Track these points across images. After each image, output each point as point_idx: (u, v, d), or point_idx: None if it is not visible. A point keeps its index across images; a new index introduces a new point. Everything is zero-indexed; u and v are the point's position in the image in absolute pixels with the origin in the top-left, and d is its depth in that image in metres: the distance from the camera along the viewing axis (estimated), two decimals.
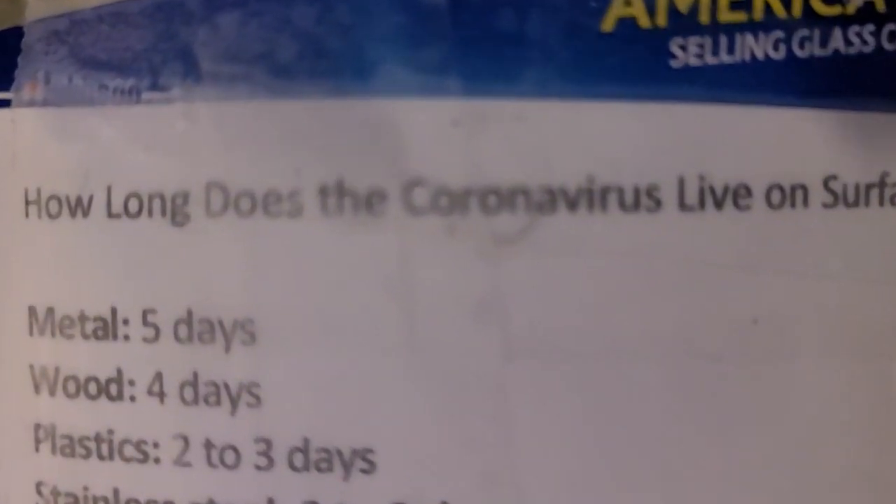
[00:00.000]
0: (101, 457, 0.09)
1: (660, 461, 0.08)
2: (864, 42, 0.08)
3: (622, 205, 0.08)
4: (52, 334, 0.09)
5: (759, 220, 0.08)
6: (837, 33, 0.08)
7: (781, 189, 0.08)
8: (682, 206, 0.08)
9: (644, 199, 0.08)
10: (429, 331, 0.08)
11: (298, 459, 0.08)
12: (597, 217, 0.08)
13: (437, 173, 0.08)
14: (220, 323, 0.09)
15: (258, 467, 0.09)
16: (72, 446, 0.09)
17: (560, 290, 0.08)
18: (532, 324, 0.08)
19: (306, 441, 0.08)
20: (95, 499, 0.09)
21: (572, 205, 0.08)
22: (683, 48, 0.08)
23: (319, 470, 0.08)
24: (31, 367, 0.09)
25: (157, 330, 0.09)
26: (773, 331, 0.08)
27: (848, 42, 0.08)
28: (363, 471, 0.08)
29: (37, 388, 0.09)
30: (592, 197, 0.08)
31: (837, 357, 0.09)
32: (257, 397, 0.09)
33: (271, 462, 0.09)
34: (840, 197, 0.08)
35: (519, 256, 0.08)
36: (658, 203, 0.08)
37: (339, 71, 0.08)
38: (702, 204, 0.08)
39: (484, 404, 0.08)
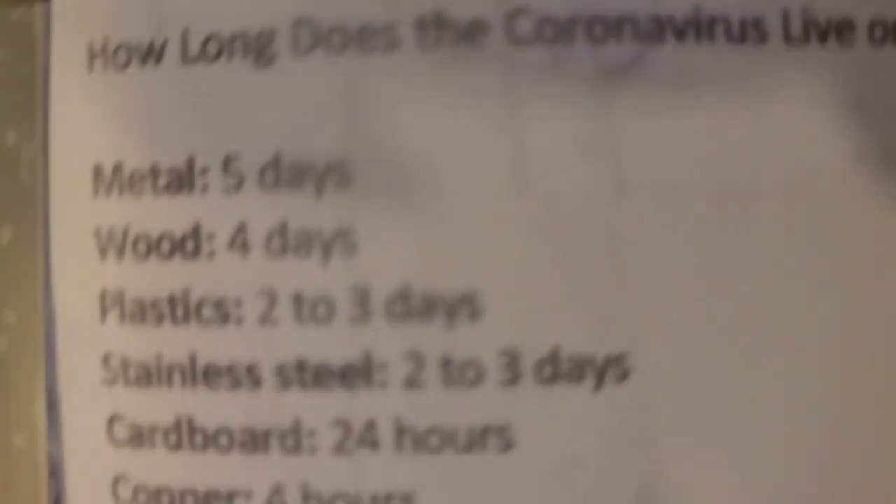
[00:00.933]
0: (175, 320, 0.08)
1: (775, 303, 0.08)
2: None
3: (729, 36, 0.08)
4: (120, 192, 0.08)
5: (863, 56, 0.08)
6: None
7: (884, 25, 0.08)
8: (787, 38, 0.08)
9: (750, 31, 0.08)
10: (536, 168, 0.08)
11: (398, 307, 0.08)
12: (704, 48, 0.08)
13: (541, 1, 0.08)
14: (311, 166, 0.08)
15: (353, 320, 0.08)
16: (143, 311, 0.08)
17: (671, 124, 0.08)
18: (644, 158, 0.08)
19: (406, 288, 0.08)
20: (171, 367, 0.08)
21: (680, 35, 0.08)
22: None
23: (421, 318, 0.08)
24: (97, 230, 0.09)
25: (241, 177, 0.08)
26: (879, 170, 0.08)
27: None
28: (470, 317, 0.08)
29: (103, 253, 0.09)
30: (700, 27, 0.08)
31: None
32: (353, 244, 0.08)
33: (368, 313, 0.08)
34: None
35: (628, 88, 0.08)
36: (764, 35, 0.08)
37: None
38: (806, 37, 0.08)
39: (596, 244, 0.08)
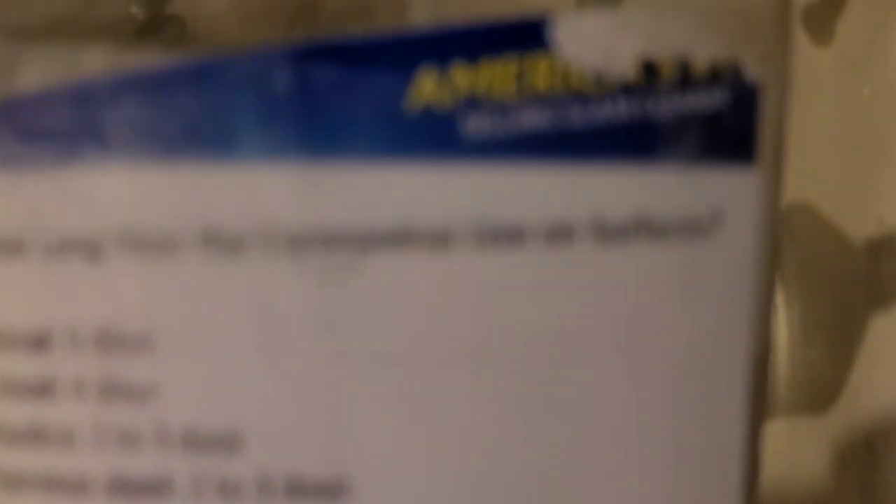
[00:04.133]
0: None
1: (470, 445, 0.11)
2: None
3: (421, 246, 0.11)
4: None
5: (535, 257, 0.11)
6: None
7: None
8: (468, 247, 0.11)
9: (438, 243, 0.11)
10: (280, 343, 0.11)
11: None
12: (405, 257, 0.11)
13: (284, 222, 0.11)
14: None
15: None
16: None
17: (382, 314, 0.11)
18: (361, 338, 0.11)
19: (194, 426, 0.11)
20: None
21: (389, 246, 0.11)
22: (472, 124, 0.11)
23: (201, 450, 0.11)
24: None
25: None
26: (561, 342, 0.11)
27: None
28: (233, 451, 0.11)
29: None
30: (404, 240, 0.11)
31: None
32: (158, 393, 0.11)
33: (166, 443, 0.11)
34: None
35: (350, 286, 0.11)
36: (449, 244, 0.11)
37: (209, 141, 0.11)
38: (487, 244, 0.11)
39: (325, 396, 0.11)
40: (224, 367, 0.11)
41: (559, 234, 0.11)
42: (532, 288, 0.11)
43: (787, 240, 0.22)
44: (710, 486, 0.12)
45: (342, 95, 0.11)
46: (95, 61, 0.11)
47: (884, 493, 0.20)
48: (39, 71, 0.12)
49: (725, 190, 0.12)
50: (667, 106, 0.11)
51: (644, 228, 0.11)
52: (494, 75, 0.11)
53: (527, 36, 0.11)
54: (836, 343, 0.22)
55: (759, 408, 0.12)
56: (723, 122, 0.11)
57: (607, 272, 0.11)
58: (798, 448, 0.22)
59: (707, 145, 0.11)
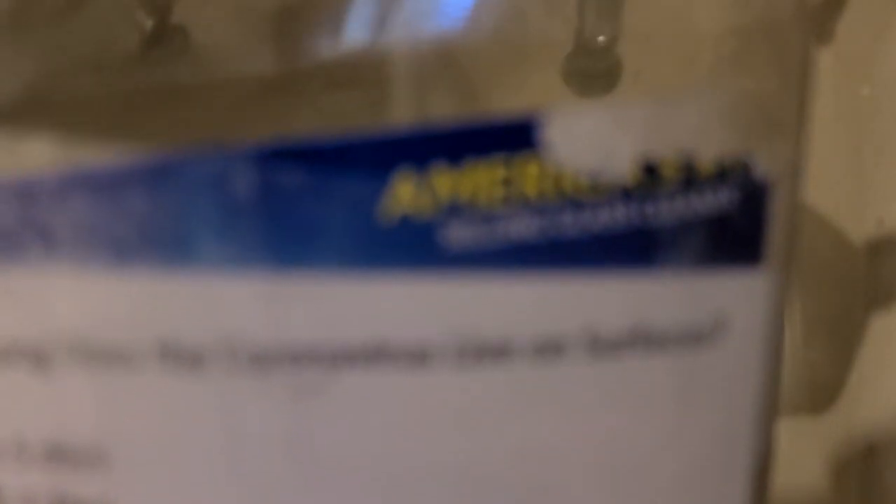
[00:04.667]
0: None
1: None
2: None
3: (398, 364, 0.10)
4: None
5: (522, 374, 0.10)
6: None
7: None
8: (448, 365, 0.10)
9: (415, 359, 0.10)
10: (247, 463, 0.10)
11: None
12: (380, 374, 0.10)
13: (248, 337, 0.10)
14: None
15: None
16: None
17: (356, 435, 0.10)
18: (334, 460, 0.10)
19: None
20: None
21: (363, 364, 0.10)
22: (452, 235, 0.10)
23: None
24: None
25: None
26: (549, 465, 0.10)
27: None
28: None
29: None
30: (379, 357, 0.10)
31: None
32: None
33: None
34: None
35: (321, 406, 0.10)
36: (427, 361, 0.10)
37: (165, 248, 0.10)
38: (469, 362, 0.10)
39: None
40: (185, 488, 0.10)
41: (548, 349, 0.10)
42: (518, 407, 0.10)
43: None
44: None
45: (311, 201, 0.10)
46: (40, 154, 0.10)
47: (884, 494, 0.20)
48: None
49: (730, 295, 0.11)
50: (668, 209, 0.10)
51: (641, 340, 0.10)
52: (479, 180, 0.10)
53: (515, 137, 0.10)
54: (837, 344, 0.21)
55: None
56: (729, 223, 0.10)
57: (600, 387, 0.10)
58: (798, 448, 0.21)
59: (711, 249, 0.10)
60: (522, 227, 0.10)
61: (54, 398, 0.10)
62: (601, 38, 0.16)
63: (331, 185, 0.10)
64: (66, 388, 0.10)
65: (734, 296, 0.11)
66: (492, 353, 0.10)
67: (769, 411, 0.11)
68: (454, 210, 0.10)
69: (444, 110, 0.14)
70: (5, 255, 0.10)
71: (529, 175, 0.10)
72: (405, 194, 0.10)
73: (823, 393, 0.22)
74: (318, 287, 0.10)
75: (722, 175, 0.10)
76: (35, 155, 0.10)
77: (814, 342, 0.22)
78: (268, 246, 0.10)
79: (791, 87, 0.11)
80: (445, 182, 0.10)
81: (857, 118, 0.21)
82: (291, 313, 0.10)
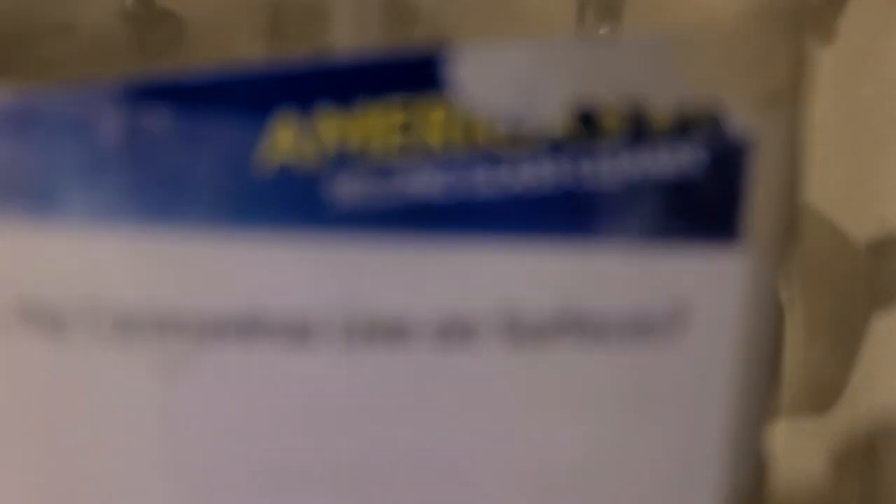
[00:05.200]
0: None
1: None
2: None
3: (274, 337, 0.09)
4: None
5: (421, 358, 0.09)
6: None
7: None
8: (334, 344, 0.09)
9: (294, 334, 0.09)
10: (112, 437, 0.09)
11: None
12: (255, 350, 0.09)
13: (113, 300, 0.09)
14: None
15: None
16: None
17: (225, 418, 0.09)
18: (202, 445, 0.09)
19: None
20: None
21: (231, 334, 0.09)
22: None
23: None
24: None
25: None
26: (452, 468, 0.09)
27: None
28: None
29: None
30: (254, 330, 0.09)
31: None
32: None
33: None
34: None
35: (187, 382, 0.09)
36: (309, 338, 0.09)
37: (24, 200, 0.09)
38: (359, 340, 0.09)
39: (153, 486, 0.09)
40: (49, 461, 0.09)
41: (455, 331, 0.09)
42: (416, 399, 0.09)
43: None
44: None
45: (179, 147, 0.08)
46: None
47: (885, 493, 0.20)
48: None
49: (692, 279, 0.09)
50: (609, 169, 0.08)
51: (572, 326, 0.09)
52: (372, 125, 0.08)
53: (416, 74, 0.08)
54: (838, 343, 0.22)
55: None
56: (691, 189, 0.09)
57: (520, 382, 0.09)
58: (799, 448, 0.22)
59: (666, 220, 0.09)
60: (424, 183, 0.08)
61: None
62: (602, 32, 0.14)
63: (201, 129, 0.08)
64: None
65: (698, 280, 0.09)
66: (385, 332, 0.09)
67: (752, 422, 0.09)
68: (342, 160, 0.08)
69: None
70: None
71: (433, 120, 0.08)
72: (285, 140, 0.08)
73: (825, 392, 0.22)
74: (187, 245, 0.09)
75: (682, 129, 0.08)
76: None
77: (815, 342, 0.22)
78: (134, 197, 0.09)
79: (780, 28, 0.09)
80: (333, 126, 0.08)
81: (858, 118, 0.21)
82: (158, 275, 0.09)
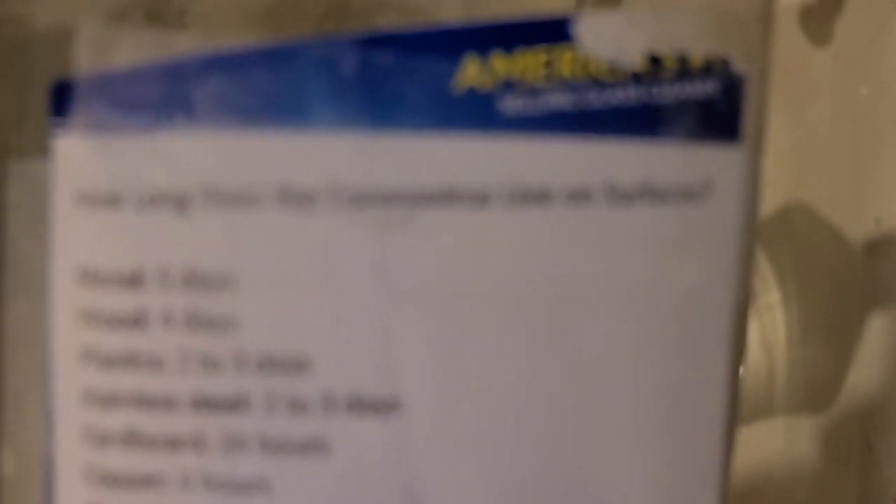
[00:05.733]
0: None
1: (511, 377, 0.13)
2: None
3: (463, 204, 0.13)
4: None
5: (558, 216, 0.13)
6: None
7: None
8: (503, 206, 0.13)
9: (477, 200, 0.13)
10: (342, 284, 0.13)
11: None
12: (450, 212, 0.13)
13: (348, 181, 0.13)
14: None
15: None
16: None
17: (429, 261, 0.13)
18: (410, 281, 0.13)
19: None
20: None
21: (436, 204, 0.13)
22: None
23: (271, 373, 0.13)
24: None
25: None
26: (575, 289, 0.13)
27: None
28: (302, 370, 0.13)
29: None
30: (449, 199, 0.13)
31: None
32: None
33: (243, 366, 0.13)
34: None
35: (402, 237, 0.13)
36: (486, 200, 0.13)
37: (284, 113, 0.13)
38: (517, 204, 0.13)
39: (379, 329, 0.13)
40: (294, 303, 0.13)
41: (578, 196, 0.13)
42: (555, 243, 0.13)
43: (785, 239, 0.23)
44: (697, 420, 0.15)
45: (399, 77, 0.13)
46: (185, 44, 0.13)
47: (881, 489, 0.20)
48: (132, 50, 0.14)
49: (715, 164, 0.14)
50: (668, 92, 0.13)
51: (648, 194, 0.13)
52: (527, 63, 0.13)
53: (554, 31, 0.13)
54: (834, 342, 0.22)
55: (740, 349, 0.14)
56: (714, 107, 0.14)
57: (617, 230, 0.13)
58: (796, 445, 0.23)
59: (700, 126, 0.14)
60: (559, 100, 0.13)
61: (192, 235, 0.13)
62: None
63: (414, 65, 0.13)
64: (201, 226, 0.13)
65: (718, 165, 0.14)
66: (535, 198, 0.13)
67: (746, 262, 0.14)
68: (508, 85, 0.13)
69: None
70: (155, 122, 0.13)
71: (565, 60, 0.13)
72: (471, 72, 0.13)
73: (822, 390, 0.22)
74: (404, 143, 0.13)
75: (708, 69, 0.14)
76: (183, 44, 0.13)
77: (812, 340, 0.23)
78: (365, 111, 0.13)
79: (756, 9, 0.14)
80: (501, 64, 0.13)
81: (855, 118, 0.21)
82: (382, 163, 0.13)
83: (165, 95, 0.13)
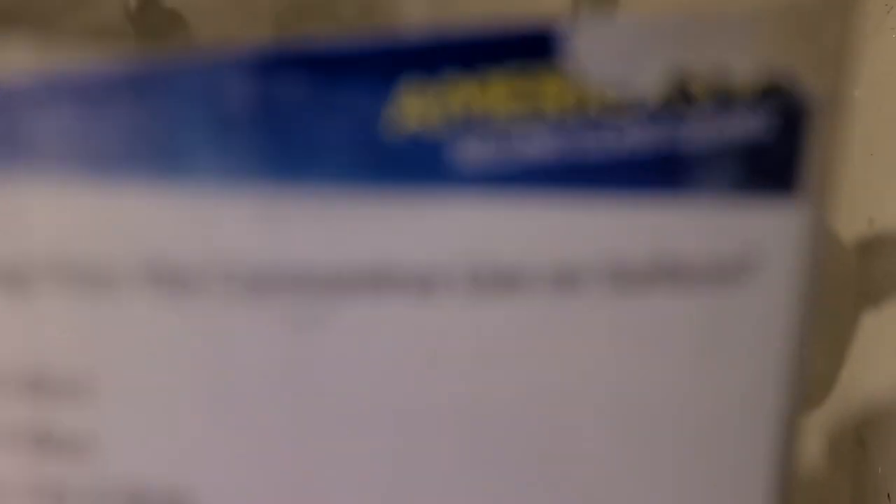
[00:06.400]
0: None
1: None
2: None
3: (404, 291, 0.09)
4: None
5: (538, 305, 0.10)
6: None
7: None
8: (457, 295, 0.09)
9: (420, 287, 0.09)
10: (239, 393, 0.10)
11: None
12: (384, 303, 0.09)
13: (244, 259, 0.09)
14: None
15: None
16: None
17: (358, 366, 0.09)
18: (334, 393, 0.09)
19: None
20: None
21: (367, 290, 0.09)
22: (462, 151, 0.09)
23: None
24: None
25: None
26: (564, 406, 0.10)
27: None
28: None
29: None
30: (384, 284, 0.09)
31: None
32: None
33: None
34: None
35: (320, 335, 0.09)
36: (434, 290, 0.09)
37: (154, 162, 0.09)
38: (479, 291, 0.09)
39: (290, 454, 0.10)
40: (174, 418, 0.10)
41: (567, 279, 0.09)
42: (532, 341, 0.09)
43: None
44: None
45: (311, 113, 0.09)
46: (22, 58, 0.10)
47: (874, 485, 0.21)
48: None
49: (762, 228, 0.10)
50: (699, 132, 0.09)
51: (665, 273, 0.10)
52: (495, 93, 0.09)
53: (534, 46, 0.09)
54: (828, 340, 0.23)
55: (789, 478, 0.10)
56: (765, 149, 0.10)
57: (621, 324, 0.10)
58: None
59: (743, 177, 0.10)
60: (541, 146, 0.09)
61: (33, 323, 0.10)
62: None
63: (333, 96, 0.09)
64: (45, 312, 0.10)
65: (766, 229, 0.10)
66: (505, 282, 0.09)
67: (801, 359, 0.11)
68: (467, 125, 0.09)
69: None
70: None
71: (549, 88, 0.09)
72: (413, 106, 0.09)
73: (816, 388, 0.23)
74: (319, 206, 0.09)
75: (760, 96, 0.10)
76: (15, 58, 0.10)
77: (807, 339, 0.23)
78: (266, 160, 0.09)
79: (834, 4, 0.10)
80: (458, 94, 0.09)
81: (849, 119, 0.21)
82: (290, 234, 0.09)
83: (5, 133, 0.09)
